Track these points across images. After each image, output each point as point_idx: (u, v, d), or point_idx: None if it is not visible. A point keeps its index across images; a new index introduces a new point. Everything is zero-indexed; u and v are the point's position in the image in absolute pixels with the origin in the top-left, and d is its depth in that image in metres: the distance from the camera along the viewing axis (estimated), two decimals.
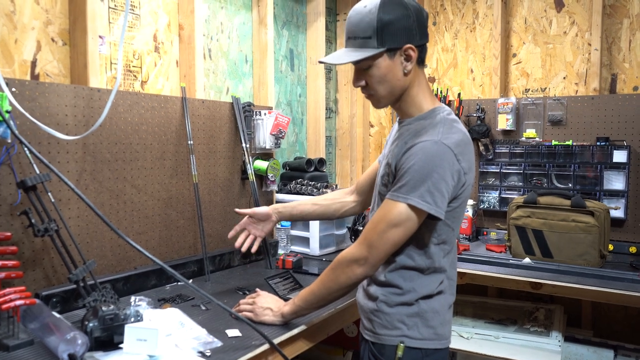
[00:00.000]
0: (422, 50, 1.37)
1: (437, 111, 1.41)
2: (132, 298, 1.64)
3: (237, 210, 1.93)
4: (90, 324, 1.39)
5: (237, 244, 1.87)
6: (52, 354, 1.38)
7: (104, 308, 1.41)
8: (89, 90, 1.90)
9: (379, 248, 1.36)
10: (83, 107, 1.88)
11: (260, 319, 1.62)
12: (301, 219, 1.94)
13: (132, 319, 1.45)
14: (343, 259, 1.43)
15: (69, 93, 1.84)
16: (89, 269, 1.68)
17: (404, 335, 1.40)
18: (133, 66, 2.25)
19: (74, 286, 1.66)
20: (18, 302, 1.43)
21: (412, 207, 1.31)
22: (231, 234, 1.89)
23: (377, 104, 1.45)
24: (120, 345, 1.38)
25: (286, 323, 1.63)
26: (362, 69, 1.38)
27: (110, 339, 1.41)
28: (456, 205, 1.39)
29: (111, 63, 2.14)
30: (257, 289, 1.78)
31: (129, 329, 1.36)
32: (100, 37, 2.04)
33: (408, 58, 1.34)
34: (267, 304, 1.65)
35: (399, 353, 1.38)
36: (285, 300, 1.70)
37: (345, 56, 1.36)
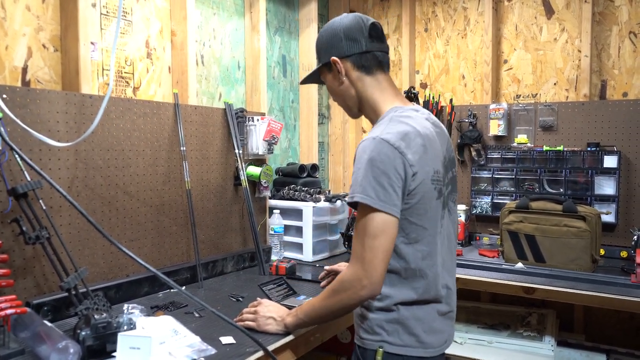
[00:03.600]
0: (359, 58, 1.45)
1: (390, 112, 1.43)
2: (125, 306, 1.62)
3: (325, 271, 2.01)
4: (83, 333, 1.38)
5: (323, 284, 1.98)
6: None
7: (96, 316, 1.40)
8: (80, 97, 1.89)
9: (372, 262, 1.30)
10: (75, 113, 1.87)
11: (263, 329, 1.60)
12: None
13: (125, 327, 1.44)
14: (344, 283, 1.36)
15: (60, 99, 1.82)
16: (81, 277, 1.66)
17: (383, 340, 1.39)
18: (125, 72, 2.24)
19: (66, 294, 1.64)
20: (9, 311, 1.41)
21: (362, 205, 1.31)
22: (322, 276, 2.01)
23: (349, 115, 1.59)
24: (113, 354, 1.37)
25: (289, 333, 1.61)
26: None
27: (102, 347, 1.40)
28: (414, 202, 1.35)
29: (103, 69, 2.13)
30: (258, 298, 1.75)
31: (122, 338, 1.35)
32: (92, 43, 2.03)
33: (337, 69, 1.47)
34: (269, 313, 1.62)
35: (378, 358, 1.38)
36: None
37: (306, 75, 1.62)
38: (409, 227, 1.37)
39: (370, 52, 1.46)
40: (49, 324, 1.52)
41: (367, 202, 1.29)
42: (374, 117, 1.49)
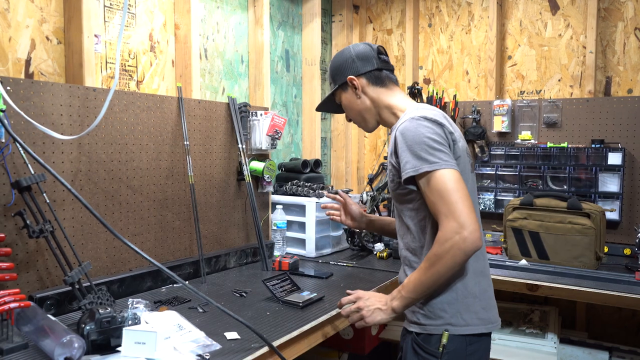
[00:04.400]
0: (372, 75, 1.63)
1: (413, 105, 1.59)
2: (130, 300, 1.61)
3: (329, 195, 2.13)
4: (87, 327, 1.37)
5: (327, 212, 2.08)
6: (48, 357, 1.36)
7: (100, 311, 1.39)
8: (84, 90, 1.87)
9: (463, 212, 1.33)
10: (78, 106, 1.85)
11: (373, 322, 1.54)
12: (379, 231, 2.02)
13: (130, 322, 1.43)
14: (444, 244, 1.35)
15: (64, 92, 1.81)
16: (85, 271, 1.66)
17: (447, 323, 1.45)
18: (128, 65, 2.22)
19: (69, 288, 1.63)
20: (12, 305, 1.40)
21: (428, 174, 1.38)
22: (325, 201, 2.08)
23: (365, 129, 1.73)
24: (118, 349, 1.36)
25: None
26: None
27: (107, 342, 1.39)
28: (459, 169, 1.43)
29: (106, 62, 2.11)
30: (352, 291, 1.63)
31: (127, 332, 1.34)
32: (95, 35, 2.02)
33: (354, 86, 1.64)
34: (373, 305, 1.54)
35: (444, 341, 1.44)
36: (292, 302, 1.67)
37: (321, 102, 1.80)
38: None
39: (381, 69, 1.64)
40: (52, 318, 1.51)
41: (432, 168, 1.38)
42: (394, 120, 1.62)
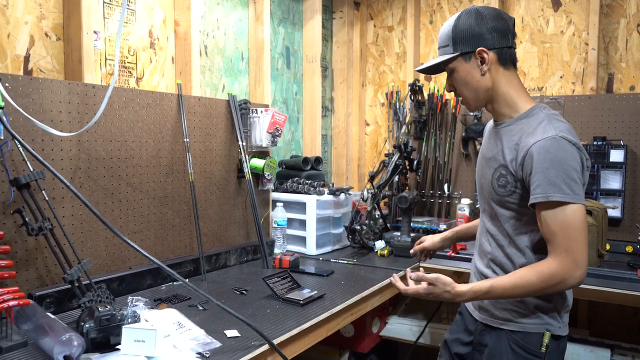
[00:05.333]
0: (502, 53, 1.46)
1: (537, 109, 1.46)
2: (129, 298, 1.60)
3: (411, 252, 1.99)
4: (87, 325, 1.36)
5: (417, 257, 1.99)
6: (47, 355, 1.35)
7: (100, 309, 1.38)
8: (83, 87, 1.86)
9: (582, 253, 1.34)
10: (77, 103, 1.84)
11: (427, 299, 1.50)
12: (461, 240, 1.96)
13: (130, 320, 1.42)
14: (555, 276, 1.36)
15: (63, 89, 1.80)
16: (84, 269, 1.65)
17: (547, 323, 1.47)
18: (128, 62, 2.21)
19: (69, 286, 1.62)
20: (11, 303, 1.39)
21: (561, 203, 1.33)
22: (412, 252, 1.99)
23: (468, 107, 1.56)
24: (117, 347, 1.35)
25: None
26: (450, 76, 1.53)
27: (106, 340, 1.38)
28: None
29: (106, 59, 2.10)
30: (431, 277, 1.49)
31: (127, 330, 1.33)
32: (95, 32, 2.01)
33: (483, 60, 1.45)
34: (439, 297, 1.47)
35: (545, 341, 1.45)
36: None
37: (427, 63, 1.56)
38: None
39: (512, 48, 1.48)
40: (51, 316, 1.50)
41: (564, 199, 1.33)
42: (508, 111, 1.50)
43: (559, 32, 3.13)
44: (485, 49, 1.44)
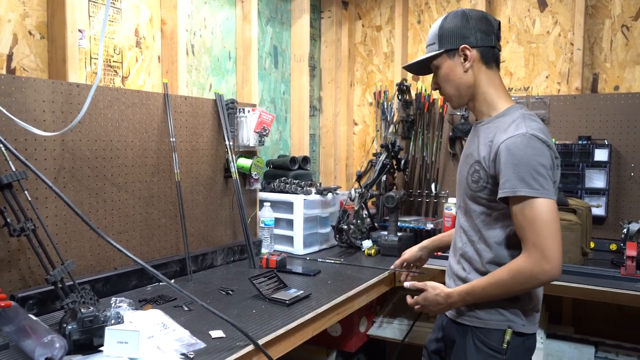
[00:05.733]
0: (485, 52, 1.51)
1: (514, 109, 1.50)
2: (113, 299, 1.59)
3: (392, 268, 2.00)
4: (69, 327, 1.35)
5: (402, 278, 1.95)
6: (29, 358, 1.34)
7: (83, 310, 1.37)
8: (67, 86, 1.85)
9: (552, 247, 1.35)
10: (62, 102, 1.83)
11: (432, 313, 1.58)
12: (439, 248, 2.00)
13: (113, 321, 1.41)
14: (523, 272, 1.38)
15: (46, 88, 1.78)
16: (68, 270, 1.63)
17: (509, 320, 1.48)
18: (114, 61, 2.19)
19: (52, 287, 1.61)
20: None
21: (528, 198, 1.36)
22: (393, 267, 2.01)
23: (451, 103, 1.61)
24: (100, 348, 1.34)
25: None
26: (435, 74, 1.59)
27: (89, 341, 1.37)
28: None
29: (91, 58, 2.08)
30: (420, 284, 1.62)
31: (110, 332, 1.33)
32: (79, 30, 1.99)
33: (466, 57, 1.51)
34: (432, 307, 1.58)
35: (507, 338, 1.47)
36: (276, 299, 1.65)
37: (414, 60, 1.62)
38: None
39: (495, 48, 1.53)
40: (34, 317, 1.49)
41: (532, 194, 1.35)
42: (487, 110, 1.54)
43: (545, 33, 3.15)
44: (468, 47, 1.50)
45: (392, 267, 2.00)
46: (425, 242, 1.97)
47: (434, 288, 1.56)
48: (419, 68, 1.64)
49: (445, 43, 1.52)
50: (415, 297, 1.61)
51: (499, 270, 1.44)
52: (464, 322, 1.55)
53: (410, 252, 1.95)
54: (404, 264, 1.95)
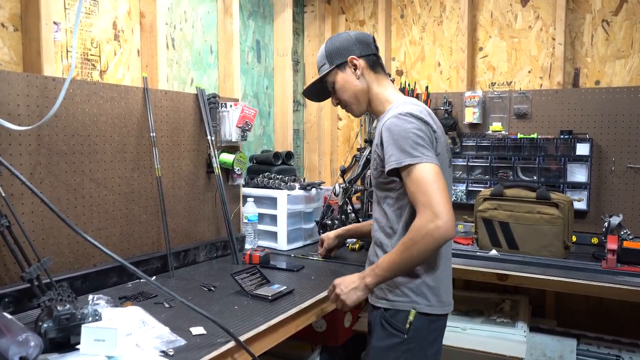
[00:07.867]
0: (370, 59, 1.72)
1: (400, 99, 1.68)
2: (90, 297, 1.56)
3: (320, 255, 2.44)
4: (45, 325, 1.32)
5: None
6: (3, 357, 1.30)
7: (59, 307, 1.34)
8: (43, 79, 1.80)
9: (440, 203, 1.43)
10: (37, 96, 1.78)
11: (352, 302, 1.62)
12: (353, 236, 2.32)
13: (90, 319, 1.38)
14: (419, 230, 1.45)
15: (21, 82, 1.74)
16: (44, 267, 1.59)
17: (413, 301, 1.58)
18: (91, 55, 2.15)
19: (28, 285, 1.57)
20: None
21: (411, 166, 1.48)
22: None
23: (352, 112, 1.79)
24: (78, 347, 1.31)
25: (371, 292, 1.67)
26: (333, 92, 1.78)
27: (66, 340, 1.34)
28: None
29: (67, 51, 2.04)
30: (335, 282, 1.71)
31: (86, 329, 1.30)
32: (55, 23, 1.94)
33: (355, 66, 1.71)
34: (347, 287, 1.63)
35: (411, 318, 1.57)
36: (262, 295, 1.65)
37: (310, 84, 1.85)
38: None
39: (376, 55, 1.74)
40: (9, 316, 1.45)
41: (414, 161, 1.47)
42: (381, 108, 1.71)
43: (527, 27, 3.17)
44: (355, 57, 1.70)
45: (319, 255, 2.40)
46: (339, 231, 2.31)
47: (343, 278, 1.67)
48: (319, 95, 1.86)
49: (335, 59, 1.72)
50: (331, 285, 1.69)
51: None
52: (376, 304, 1.65)
53: (328, 241, 2.33)
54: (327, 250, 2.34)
